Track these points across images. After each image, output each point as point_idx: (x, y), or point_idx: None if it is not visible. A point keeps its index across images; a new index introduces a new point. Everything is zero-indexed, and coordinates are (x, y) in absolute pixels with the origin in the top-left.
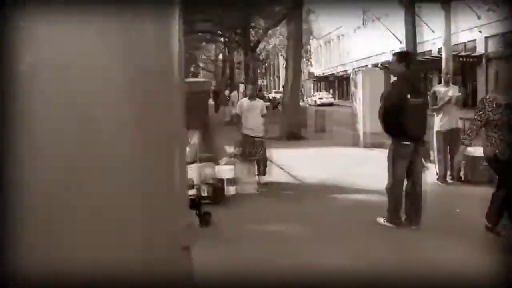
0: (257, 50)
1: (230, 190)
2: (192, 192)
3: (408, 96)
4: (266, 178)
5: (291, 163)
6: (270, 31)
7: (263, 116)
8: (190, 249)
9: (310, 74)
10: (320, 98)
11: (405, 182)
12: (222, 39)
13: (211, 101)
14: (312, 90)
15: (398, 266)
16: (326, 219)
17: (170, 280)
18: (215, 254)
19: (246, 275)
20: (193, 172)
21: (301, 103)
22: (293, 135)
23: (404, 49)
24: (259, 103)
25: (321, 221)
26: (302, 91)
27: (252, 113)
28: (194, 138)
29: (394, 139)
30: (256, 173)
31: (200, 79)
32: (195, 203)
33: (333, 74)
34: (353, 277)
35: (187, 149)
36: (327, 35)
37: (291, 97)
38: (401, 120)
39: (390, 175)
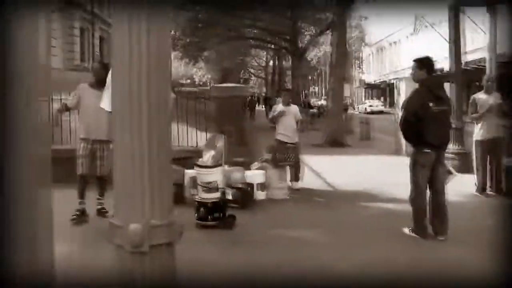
0: (308, 57)
1: (260, 195)
2: (216, 195)
3: (430, 103)
4: (299, 184)
5: (329, 170)
6: (321, 38)
7: (297, 122)
8: (174, 245)
9: (361, 81)
10: (370, 106)
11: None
12: (272, 45)
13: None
14: (363, 98)
15: (413, 275)
16: (351, 226)
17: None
18: (232, 255)
19: (259, 277)
20: (217, 175)
21: (351, 111)
22: (336, 142)
23: (426, 56)
24: (293, 109)
25: (346, 229)
26: (353, 98)
27: (285, 118)
28: (220, 142)
29: (415, 147)
30: (290, 179)
31: (234, 84)
32: (219, 206)
33: (385, 81)
34: (366, 284)
35: (212, 152)
36: (379, 42)
37: (335, 104)
38: (421, 128)
39: (411, 184)
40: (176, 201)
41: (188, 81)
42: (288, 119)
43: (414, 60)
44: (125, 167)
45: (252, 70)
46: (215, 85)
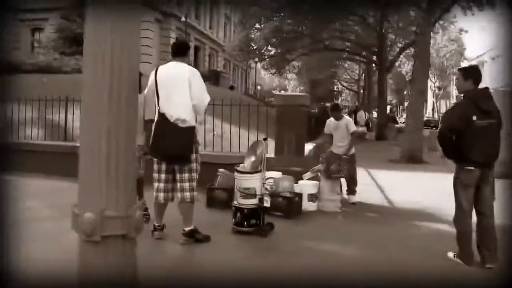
0: (403, 70)
1: (310, 205)
2: (253, 201)
3: (473, 117)
4: (355, 198)
5: (394, 186)
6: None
7: (352, 134)
8: (130, 238)
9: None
10: None
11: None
12: (361, 58)
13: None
14: None
15: None
16: (395, 244)
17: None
18: (255, 262)
19: (271, 283)
20: (255, 181)
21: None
22: (413, 158)
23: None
24: (344, 122)
25: (388, 246)
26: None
27: (338, 131)
28: (260, 148)
29: (457, 164)
30: (346, 192)
31: (295, 93)
32: (256, 212)
33: None
34: None
35: (252, 158)
36: (480, 56)
37: (414, 119)
38: (462, 143)
39: (455, 205)
40: (225, 205)
41: (282, 92)
42: (340, 132)
43: (459, 69)
44: (85, 159)
45: (345, 83)
46: (277, 93)
